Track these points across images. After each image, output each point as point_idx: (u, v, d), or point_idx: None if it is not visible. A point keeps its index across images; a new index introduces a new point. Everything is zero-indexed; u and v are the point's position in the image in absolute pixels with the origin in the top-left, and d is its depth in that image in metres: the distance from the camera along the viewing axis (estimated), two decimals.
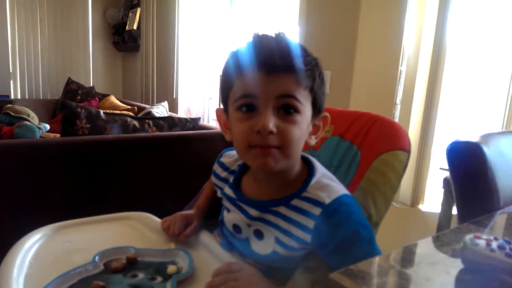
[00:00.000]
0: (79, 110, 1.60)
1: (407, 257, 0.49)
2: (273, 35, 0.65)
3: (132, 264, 0.72)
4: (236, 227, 0.75)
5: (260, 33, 0.66)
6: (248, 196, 0.74)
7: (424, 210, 2.06)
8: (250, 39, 0.66)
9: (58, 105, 3.56)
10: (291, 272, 0.68)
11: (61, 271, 0.66)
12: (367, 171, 0.80)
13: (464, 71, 1.95)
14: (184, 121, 1.91)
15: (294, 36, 2.31)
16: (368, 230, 0.64)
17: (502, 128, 1.76)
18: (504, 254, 0.42)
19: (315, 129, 0.71)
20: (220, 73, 0.71)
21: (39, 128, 2.18)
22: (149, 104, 3.70)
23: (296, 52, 0.63)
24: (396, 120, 2.06)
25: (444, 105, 1.99)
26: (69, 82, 3.67)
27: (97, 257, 0.72)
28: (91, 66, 4.39)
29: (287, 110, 0.63)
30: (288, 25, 2.50)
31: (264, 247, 0.71)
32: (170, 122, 1.87)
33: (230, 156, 0.83)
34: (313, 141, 0.70)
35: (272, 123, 0.61)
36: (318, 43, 2.20)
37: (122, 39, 4.41)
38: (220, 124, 0.75)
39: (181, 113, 3.58)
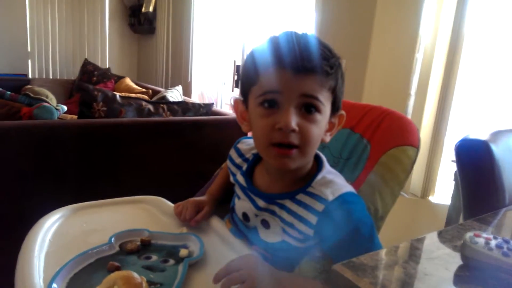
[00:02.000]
0: (96, 93, 1.64)
1: (409, 251, 0.50)
2: (300, 33, 0.66)
3: (146, 246, 0.76)
4: (245, 215, 0.78)
5: (287, 31, 0.66)
6: (258, 186, 0.76)
7: (434, 202, 2.06)
8: (275, 35, 0.67)
9: (75, 86, 3.62)
10: (297, 262, 0.70)
11: (79, 250, 0.70)
12: (375, 166, 0.81)
13: (481, 62, 1.92)
14: (198, 106, 1.94)
15: (310, 24, 2.30)
16: (369, 228, 0.66)
17: None
18: (501, 253, 0.44)
19: (331, 126, 0.72)
20: (242, 65, 0.71)
21: (57, 109, 2.23)
22: (163, 87, 3.74)
23: (323, 53, 0.64)
24: (410, 110, 2.05)
25: (459, 96, 1.97)
26: (86, 63, 3.72)
27: (113, 239, 0.75)
28: (107, 47, 4.43)
29: (308, 109, 0.64)
30: (304, 11, 2.48)
31: (272, 236, 0.73)
32: (184, 107, 1.89)
33: (247, 144, 0.85)
34: (327, 138, 0.72)
35: (294, 121, 0.62)
36: (333, 30, 2.18)
37: (138, 21, 4.42)
38: (237, 114, 0.76)
39: (195, 98, 3.61)
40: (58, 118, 2.26)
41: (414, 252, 0.50)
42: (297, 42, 0.63)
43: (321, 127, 0.66)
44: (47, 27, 4.08)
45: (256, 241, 0.77)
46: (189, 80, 3.58)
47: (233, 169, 0.84)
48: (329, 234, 0.65)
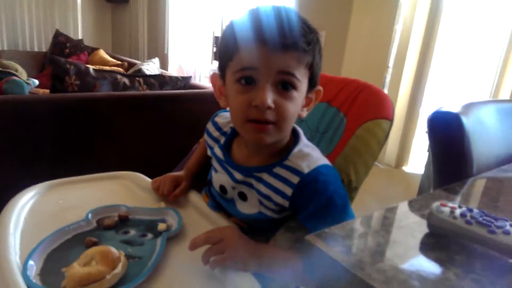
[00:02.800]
0: (68, 66, 1.59)
1: (379, 221, 0.53)
2: (278, 8, 0.64)
3: (123, 222, 0.76)
4: (222, 188, 0.79)
5: (264, 6, 0.65)
6: (236, 160, 0.77)
7: (408, 172, 2.13)
8: (253, 9, 0.65)
9: (47, 58, 3.48)
10: (273, 233, 0.72)
11: (56, 227, 0.70)
12: (351, 139, 0.83)
13: (458, 35, 1.95)
14: (175, 80, 1.90)
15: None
16: (343, 199, 0.68)
17: (490, 95, 1.79)
18: (464, 221, 0.46)
19: (308, 101, 0.73)
20: (220, 39, 0.70)
21: (27, 83, 2.15)
22: (139, 60, 3.64)
23: (301, 29, 0.63)
24: (387, 82, 2.08)
25: (436, 69, 2.00)
26: (57, 34, 3.57)
27: (90, 215, 0.75)
28: (79, 17, 4.24)
29: (285, 86, 0.64)
30: None
31: (249, 207, 0.75)
32: (161, 80, 1.86)
33: (224, 117, 0.85)
34: (304, 113, 0.72)
35: (270, 98, 0.62)
36: (314, 1, 2.15)
37: None
38: (215, 89, 0.76)
39: (173, 71, 3.54)
40: (29, 92, 2.18)
41: (384, 222, 0.52)
42: (275, 18, 0.62)
43: (297, 104, 0.67)
44: None
45: (233, 213, 0.79)
46: (165, 52, 3.50)
47: (211, 142, 0.85)
48: (304, 205, 0.67)
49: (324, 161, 0.71)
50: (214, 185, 0.82)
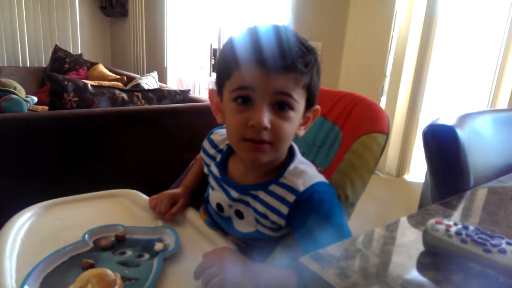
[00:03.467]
0: (66, 83, 1.59)
1: (374, 239, 0.52)
2: (277, 28, 0.65)
3: (120, 242, 0.76)
4: (219, 206, 0.79)
5: (263, 25, 0.66)
6: (232, 177, 0.77)
7: (409, 180, 2.12)
8: (252, 28, 0.66)
9: (46, 74, 3.51)
10: (271, 251, 0.72)
11: (52, 248, 0.69)
12: (346, 153, 0.82)
13: (454, 42, 1.95)
14: (174, 93, 1.91)
15: (286, 5, 2.27)
16: (339, 217, 0.67)
17: (488, 101, 1.78)
18: (460, 240, 0.45)
19: (305, 120, 0.73)
20: (217, 55, 0.70)
21: (26, 101, 2.16)
22: (139, 73, 3.66)
23: (298, 50, 0.63)
24: (385, 91, 2.08)
25: (434, 76, 2.00)
26: (57, 49, 3.59)
27: (86, 235, 0.75)
28: (79, 32, 4.28)
29: (281, 106, 0.64)
30: None
31: (246, 226, 0.75)
32: (159, 94, 1.86)
33: (220, 134, 0.85)
34: (301, 132, 0.72)
35: (266, 118, 0.62)
36: (310, 11, 2.17)
37: (109, 4, 4.28)
38: (212, 105, 0.76)
39: (172, 83, 3.56)
40: (28, 110, 2.19)
41: (380, 240, 0.52)
42: (273, 39, 0.63)
43: (294, 124, 0.67)
44: (13, 12, 3.90)
45: (230, 231, 0.78)
46: (165, 65, 3.52)
47: (207, 160, 0.84)
48: (300, 224, 0.67)
49: (320, 178, 0.71)
50: (211, 203, 0.81)
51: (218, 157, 0.81)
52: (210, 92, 0.75)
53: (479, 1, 1.86)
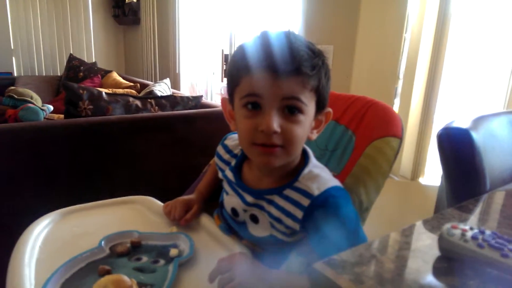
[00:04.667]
0: (81, 91, 1.63)
1: (389, 244, 0.52)
2: (282, 34, 0.65)
3: (136, 248, 0.77)
4: (234, 211, 0.79)
5: (270, 32, 0.66)
6: (247, 182, 0.77)
7: (424, 184, 2.09)
8: (259, 35, 0.67)
9: (61, 83, 3.58)
10: (286, 256, 0.72)
11: (70, 255, 0.71)
12: (360, 158, 0.82)
13: (468, 42, 1.93)
14: (186, 100, 1.93)
15: (297, 9, 2.28)
16: (354, 222, 0.67)
17: (504, 103, 1.75)
18: (476, 245, 0.45)
19: (317, 124, 0.73)
20: (228, 63, 0.71)
21: (42, 109, 2.20)
22: (152, 80, 3.71)
23: (304, 54, 0.64)
24: (399, 93, 2.06)
25: (447, 77, 1.98)
26: (71, 58, 3.67)
27: (103, 242, 0.76)
28: (93, 41, 4.36)
29: (291, 110, 0.65)
30: None
31: (261, 230, 0.75)
32: (172, 101, 1.89)
33: (234, 140, 0.85)
34: (314, 135, 0.72)
35: (276, 123, 0.63)
36: (320, 14, 2.16)
37: (122, 12, 4.35)
38: (225, 113, 0.77)
39: (185, 89, 3.59)
40: (44, 118, 2.24)
41: (394, 245, 0.52)
42: (277, 45, 0.63)
43: (304, 127, 0.67)
44: (29, 22, 4.01)
45: (245, 236, 0.79)
46: (177, 71, 3.55)
47: (221, 165, 0.85)
48: (315, 229, 0.66)
49: (335, 182, 0.71)
50: (226, 208, 0.82)
51: (233, 162, 0.82)
52: (223, 100, 0.76)
53: (493, 1, 1.83)
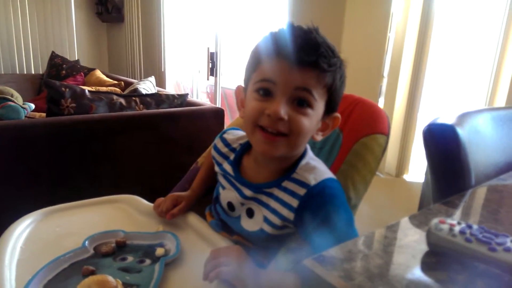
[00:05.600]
0: (63, 89, 1.59)
1: (378, 240, 0.52)
2: (307, 28, 0.66)
3: (121, 248, 0.75)
4: (230, 205, 0.79)
5: (295, 25, 0.67)
6: (246, 176, 0.77)
7: (409, 180, 2.12)
8: (286, 26, 0.67)
9: (43, 81, 3.50)
10: (275, 252, 0.72)
11: (52, 256, 0.69)
12: (348, 155, 0.82)
13: (451, 41, 1.96)
14: (172, 98, 1.91)
15: (283, 8, 2.28)
16: (348, 214, 0.68)
17: (486, 100, 1.79)
18: (464, 239, 0.45)
19: (324, 127, 0.73)
20: (251, 51, 0.71)
21: (23, 108, 2.15)
22: (136, 78, 3.66)
23: (324, 50, 0.64)
24: (383, 91, 2.08)
25: (431, 75, 2.00)
26: (53, 56, 3.59)
27: (87, 242, 0.74)
28: (75, 38, 4.27)
29: (301, 103, 0.65)
30: None
31: (252, 224, 0.75)
32: (157, 99, 1.86)
33: (233, 134, 0.86)
34: (319, 137, 0.73)
35: (284, 110, 0.63)
36: (306, 15, 2.17)
37: (106, 9, 4.28)
38: (238, 101, 0.77)
39: (170, 87, 3.55)
40: (26, 117, 2.18)
41: (383, 241, 0.52)
42: (300, 36, 0.64)
43: (311, 121, 0.67)
44: (10, 19, 3.90)
45: (237, 229, 0.78)
46: (162, 69, 3.51)
47: (219, 158, 0.84)
48: (310, 218, 0.66)
49: (330, 174, 0.71)
50: (222, 202, 0.81)
51: (231, 156, 0.81)
52: (238, 88, 0.76)
53: (475, 1, 1.87)
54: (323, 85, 0.66)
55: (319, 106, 0.67)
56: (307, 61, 0.63)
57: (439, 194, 0.78)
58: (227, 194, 0.79)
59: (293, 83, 0.64)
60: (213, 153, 0.87)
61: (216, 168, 0.85)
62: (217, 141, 0.87)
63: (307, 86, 0.64)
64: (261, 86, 0.66)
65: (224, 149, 0.84)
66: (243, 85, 0.75)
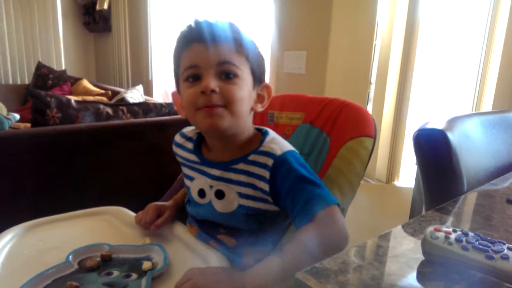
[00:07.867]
0: (48, 99, 1.56)
1: (372, 250, 0.50)
2: (210, 19, 0.73)
3: (106, 262, 0.72)
4: (201, 192, 0.78)
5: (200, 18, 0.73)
6: (211, 158, 0.77)
7: (399, 186, 2.12)
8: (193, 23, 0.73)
9: (28, 91, 3.44)
10: (257, 235, 0.72)
11: (35, 272, 0.66)
12: (334, 159, 0.81)
13: (436, 48, 1.98)
14: (160, 107, 1.88)
15: (269, 16, 2.28)
16: (314, 176, 0.70)
17: (473, 105, 1.80)
18: (460, 247, 0.44)
19: (260, 98, 0.77)
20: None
21: (7, 118, 2.10)
22: (124, 87, 3.62)
23: (234, 28, 0.72)
24: (371, 98, 2.09)
25: (418, 81, 2.02)
26: (39, 66, 3.54)
27: (70, 256, 0.71)
28: (62, 48, 4.21)
29: (227, 75, 0.70)
30: (263, 3, 2.46)
31: (227, 205, 0.74)
32: (145, 107, 1.84)
33: (189, 128, 0.87)
34: (259, 108, 0.76)
35: (213, 83, 0.68)
36: (293, 22, 2.18)
37: (93, 20, 4.25)
38: (177, 106, 0.80)
39: (158, 96, 3.52)
40: (10, 127, 2.13)
41: (378, 251, 0.50)
42: (206, 22, 0.71)
43: (242, 89, 0.71)
44: None
45: (213, 217, 0.76)
46: (150, 78, 3.49)
47: (181, 152, 0.84)
48: (281, 185, 0.68)
49: (294, 149, 0.74)
50: (192, 194, 0.80)
51: (191, 146, 0.82)
52: (174, 95, 0.80)
53: (459, 8, 1.89)
54: (241, 55, 0.71)
55: (245, 74, 0.71)
56: (219, 36, 0.69)
57: (431, 200, 0.77)
58: (196, 183, 0.79)
59: (214, 60, 0.69)
60: (175, 149, 0.87)
61: (180, 160, 0.85)
62: (176, 137, 0.88)
63: (227, 59, 0.69)
64: (189, 73, 0.71)
65: (181, 140, 0.85)
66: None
